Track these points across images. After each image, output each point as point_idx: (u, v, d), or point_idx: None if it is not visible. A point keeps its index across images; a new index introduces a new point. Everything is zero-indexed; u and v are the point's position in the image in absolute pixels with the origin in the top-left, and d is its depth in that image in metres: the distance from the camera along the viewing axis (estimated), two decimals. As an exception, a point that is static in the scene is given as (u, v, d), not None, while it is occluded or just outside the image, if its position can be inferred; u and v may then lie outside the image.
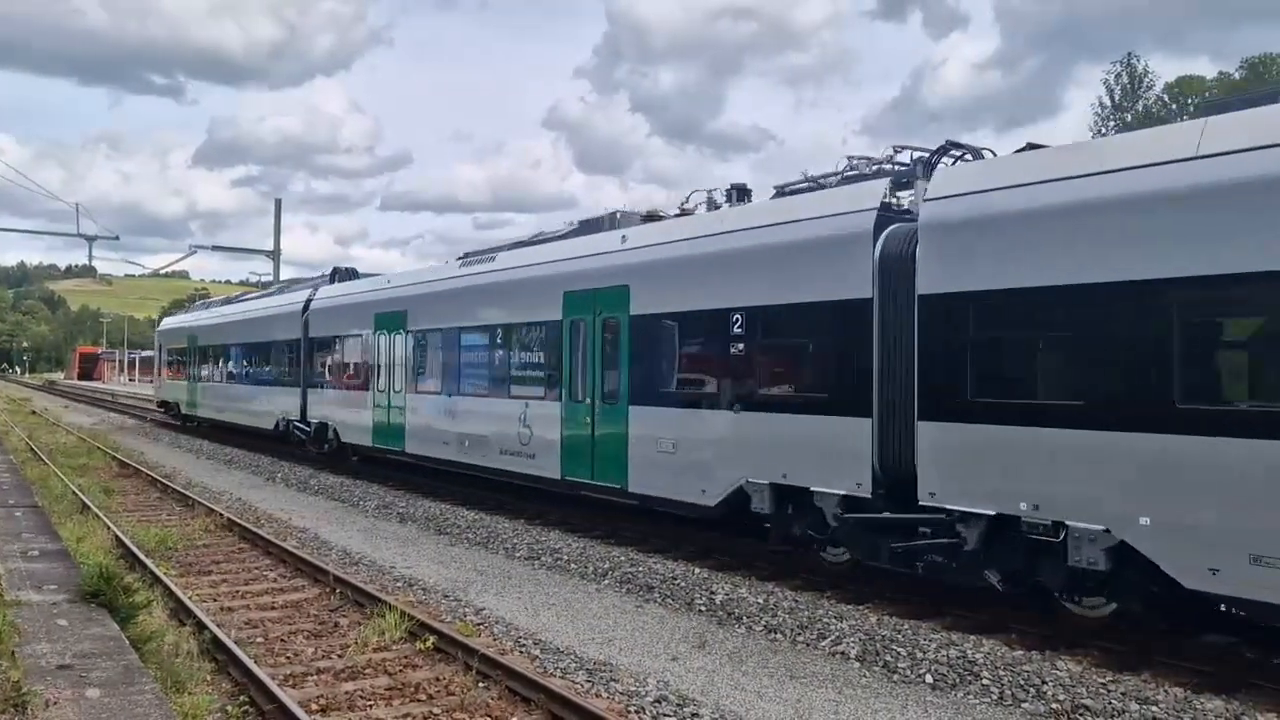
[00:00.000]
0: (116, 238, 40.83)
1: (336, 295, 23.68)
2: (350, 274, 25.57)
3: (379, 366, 20.35)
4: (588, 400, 14.09)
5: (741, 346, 11.48)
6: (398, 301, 19.92)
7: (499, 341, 16.41)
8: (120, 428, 38.68)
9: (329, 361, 23.15)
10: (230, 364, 30.91)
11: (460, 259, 18.67)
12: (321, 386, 23.54)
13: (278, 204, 40.94)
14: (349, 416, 21.74)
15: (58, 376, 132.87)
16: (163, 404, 39.76)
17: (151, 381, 49.86)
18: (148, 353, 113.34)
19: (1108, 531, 7.95)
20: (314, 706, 7.29)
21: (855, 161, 11.94)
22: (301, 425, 24.28)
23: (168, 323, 42.46)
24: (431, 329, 18.46)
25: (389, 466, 21.01)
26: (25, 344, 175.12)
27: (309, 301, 24.67)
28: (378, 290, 21.38)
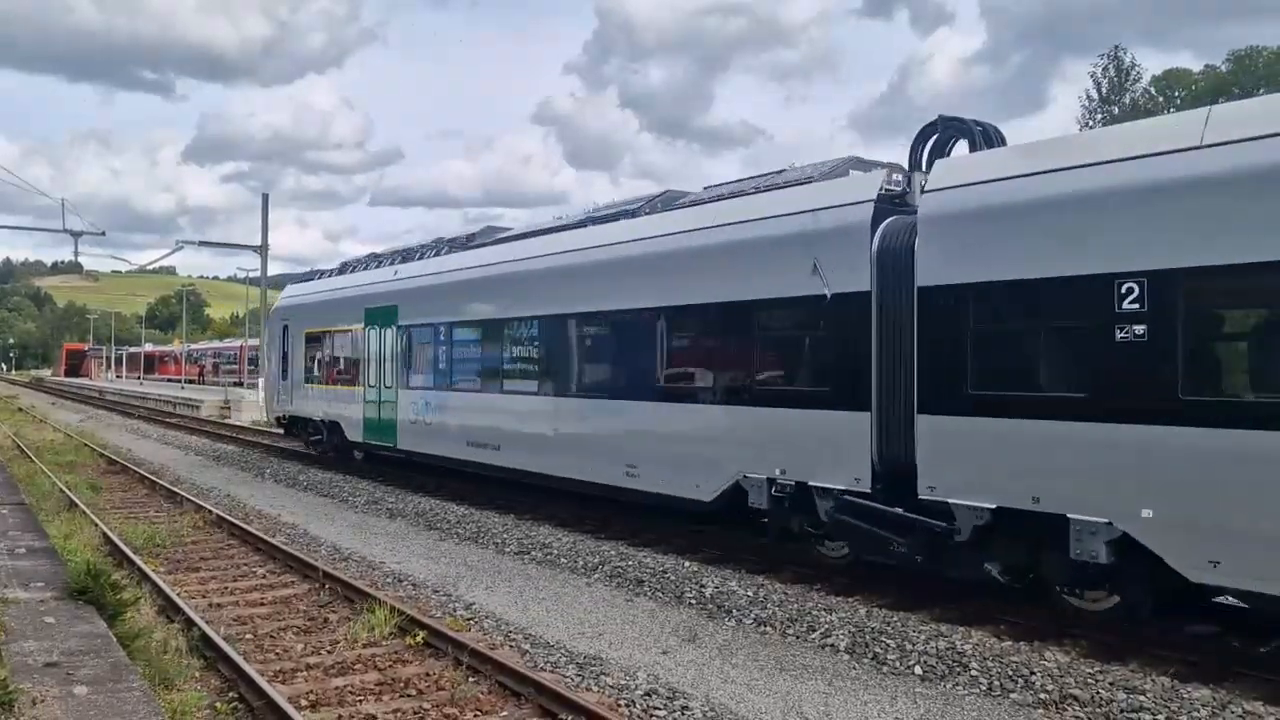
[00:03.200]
0: (103, 233, 40.55)
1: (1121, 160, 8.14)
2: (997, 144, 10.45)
3: None
4: None
5: None
6: None
7: None
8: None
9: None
10: (538, 356, 15.23)
11: None
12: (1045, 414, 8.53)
13: (265, 199, 40.70)
14: None
15: (45, 373, 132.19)
16: (287, 422, 25.45)
17: (261, 384, 32.37)
18: (134, 349, 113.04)
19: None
20: (303, 702, 7.28)
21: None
22: (940, 504, 9.31)
23: (298, 294, 25.51)
24: None
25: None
26: (11, 340, 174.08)
27: (895, 197, 10.37)
28: None
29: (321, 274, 25.33)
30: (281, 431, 26.67)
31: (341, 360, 21.76)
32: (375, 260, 22.44)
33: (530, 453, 15.16)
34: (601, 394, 13.83)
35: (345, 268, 23.77)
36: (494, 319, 16.33)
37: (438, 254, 19.37)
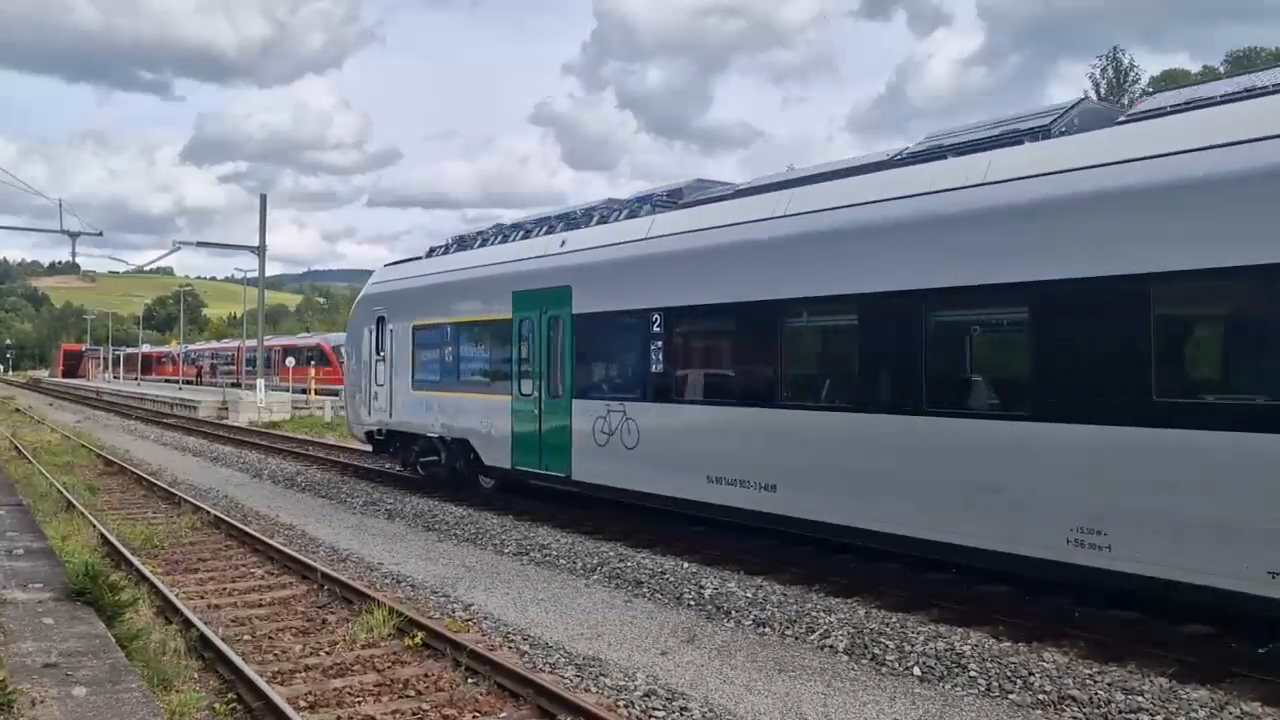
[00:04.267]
0: (100, 234, 40.53)
1: None
2: None
3: None
4: None
5: None
6: None
7: None
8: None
9: None
10: (864, 354, 10.24)
11: None
12: None
13: (263, 199, 40.67)
14: None
15: (42, 374, 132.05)
16: (382, 438, 19.89)
17: (341, 390, 27.45)
18: (132, 350, 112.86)
19: None
20: (302, 703, 7.27)
21: None
22: None
23: (398, 277, 19.98)
24: None
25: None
26: (9, 341, 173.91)
27: None
28: None
29: (432, 251, 19.85)
30: (371, 449, 20.96)
31: (474, 359, 16.89)
32: (517, 230, 17.09)
33: (845, 498, 10.17)
34: (1007, 412, 8.92)
35: (465, 242, 18.65)
36: (770, 300, 11.18)
37: (633, 215, 14.31)
